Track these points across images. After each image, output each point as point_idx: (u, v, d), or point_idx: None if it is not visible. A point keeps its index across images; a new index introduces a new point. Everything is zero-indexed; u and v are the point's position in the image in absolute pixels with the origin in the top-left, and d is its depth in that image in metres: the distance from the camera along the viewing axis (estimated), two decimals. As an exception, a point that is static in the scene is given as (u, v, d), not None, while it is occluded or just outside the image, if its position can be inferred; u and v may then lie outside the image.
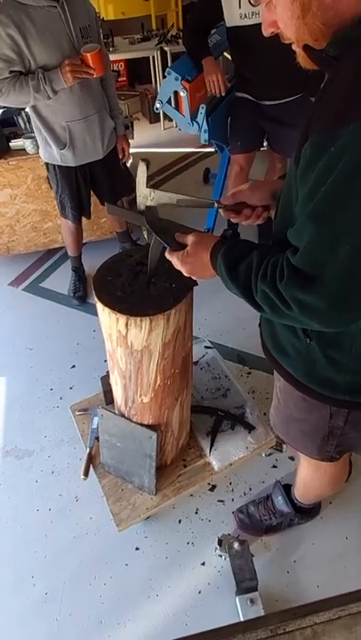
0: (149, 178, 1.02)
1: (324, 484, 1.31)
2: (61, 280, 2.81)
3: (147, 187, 0.97)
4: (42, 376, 2.26)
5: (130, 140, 2.44)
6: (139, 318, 1.09)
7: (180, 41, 4.16)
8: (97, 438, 1.76)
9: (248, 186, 1.00)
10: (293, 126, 2.35)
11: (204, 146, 4.19)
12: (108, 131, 2.12)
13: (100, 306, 1.13)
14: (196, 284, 1.16)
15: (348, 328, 0.81)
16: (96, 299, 1.14)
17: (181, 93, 2.14)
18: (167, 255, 0.97)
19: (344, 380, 0.88)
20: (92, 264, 2.79)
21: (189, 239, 0.93)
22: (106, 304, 1.11)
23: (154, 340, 1.15)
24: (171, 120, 4.65)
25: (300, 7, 0.68)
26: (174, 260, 0.95)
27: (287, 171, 0.86)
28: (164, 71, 4.36)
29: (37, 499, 1.79)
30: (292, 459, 1.83)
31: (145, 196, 0.98)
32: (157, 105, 2.23)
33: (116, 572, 1.57)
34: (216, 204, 0.99)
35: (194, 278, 0.98)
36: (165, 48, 4.08)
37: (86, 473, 1.68)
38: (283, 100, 2.26)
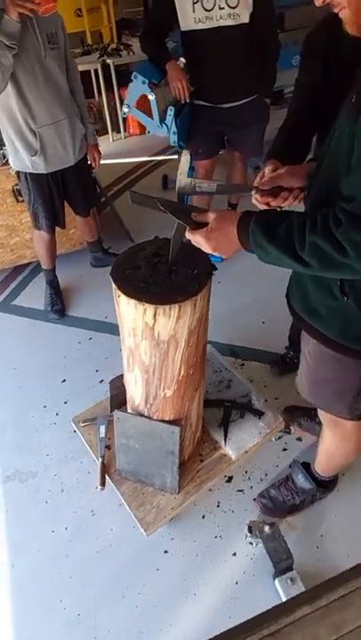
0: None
1: (350, 450, 1.36)
2: (34, 296, 2.71)
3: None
4: (32, 394, 2.17)
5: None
6: (168, 306, 1.09)
7: (123, 53, 4.21)
8: (107, 447, 1.71)
9: (285, 169, 1.04)
10: (249, 126, 2.45)
11: (157, 154, 4.26)
12: (79, 137, 2.11)
13: (124, 299, 1.12)
14: (216, 269, 1.18)
15: None
16: (120, 292, 1.12)
17: (150, 96, 2.18)
18: (188, 234, 0.99)
19: None
20: (65, 277, 2.73)
21: (210, 216, 0.96)
22: (131, 296, 1.10)
23: (181, 328, 1.15)
24: (118, 132, 4.69)
25: None
26: (197, 237, 0.97)
27: (332, 133, 0.90)
28: (107, 84, 4.42)
29: (50, 520, 1.70)
30: (300, 440, 1.88)
31: (186, 184, 1.00)
32: (125, 109, 2.24)
33: (149, 579, 1.53)
34: (253, 190, 1.02)
35: (217, 254, 0.99)
36: (108, 61, 4.11)
37: (103, 483, 1.63)
38: (238, 103, 2.35)
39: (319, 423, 1.81)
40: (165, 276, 1.15)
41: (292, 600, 0.59)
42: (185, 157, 0.98)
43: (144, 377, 1.32)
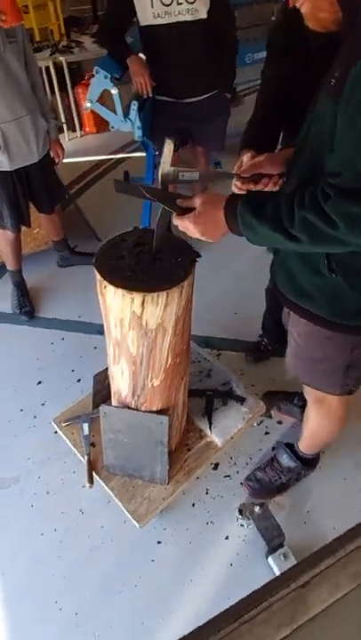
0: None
1: (334, 426, 1.42)
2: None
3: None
4: (7, 399, 2.10)
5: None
6: (156, 294, 1.09)
7: (75, 50, 4.15)
8: (92, 444, 1.69)
9: (264, 157, 1.07)
10: (211, 121, 2.50)
11: (115, 151, 4.23)
12: (42, 133, 2.07)
13: (111, 290, 1.11)
14: (200, 256, 1.20)
15: None
16: (106, 283, 1.11)
17: (113, 91, 2.16)
18: (176, 220, 1.00)
19: None
20: (31, 278, 2.66)
21: (197, 201, 0.98)
22: (119, 286, 1.10)
23: (168, 315, 1.16)
24: (74, 130, 4.61)
25: None
26: (185, 222, 0.98)
27: (310, 119, 0.94)
28: (59, 81, 4.33)
29: (38, 523, 1.67)
30: (280, 423, 1.94)
31: (169, 172, 1.01)
32: (87, 104, 2.21)
33: (145, 571, 1.53)
34: (235, 177, 1.05)
35: (204, 239, 1.02)
36: (60, 58, 4.03)
37: (91, 480, 1.61)
38: (199, 98, 2.39)
39: (297, 405, 1.89)
40: (150, 264, 1.15)
41: (316, 554, 0.62)
42: (168, 146, 0.99)
43: (131, 368, 1.31)
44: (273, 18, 4.01)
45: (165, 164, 1.01)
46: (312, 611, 0.57)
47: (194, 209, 0.99)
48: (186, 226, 0.99)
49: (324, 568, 0.60)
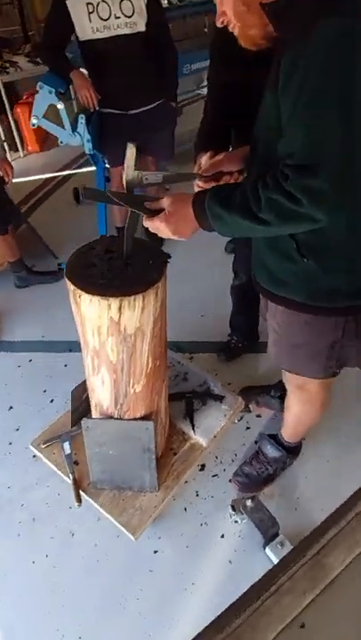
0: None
1: (316, 412, 1.46)
2: None
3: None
4: (-22, 428, 2.01)
5: None
6: (132, 297, 1.09)
7: (10, 70, 4.10)
8: (75, 462, 1.65)
9: (223, 155, 1.10)
10: (159, 130, 2.54)
11: (61, 169, 4.19)
12: (-11, 152, 2.02)
13: (86, 298, 1.10)
14: (170, 257, 1.21)
15: (337, 230, 0.93)
16: (80, 292, 1.10)
17: (58, 105, 2.15)
18: (147, 222, 1.02)
19: (346, 283, 1.02)
20: (-12, 302, 2.59)
21: (165, 202, 1.00)
22: (94, 293, 1.09)
23: (146, 318, 1.16)
24: (16, 150, 4.53)
25: None
26: (156, 223, 1.00)
27: (260, 118, 0.98)
28: (-4, 102, 4.25)
29: (27, 551, 1.60)
30: (259, 416, 1.98)
31: (133, 177, 1.02)
32: (34, 120, 2.19)
33: (145, 583, 1.50)
34: (197, 177, 1.08)
35: (176, 238, 1.03)
36: (-5, 78, 3.98)
37: (79, 499, 1.56)
38: (144, 108, 2.43)
39: (274, 397, 1.94)
40: (122, 269, 1.16)
41: (323, 525, 0.64)
42: (131, 150, 1.01)
43: (112, 376, 1.30)
44: (205, 29, 4.17)
45: (129, 169, 1.02)
46: (332, 573, 0.59)
47: (162, 210, 1.01)
48: (157, 226, 1.00)
49: (334, 534, 0.62)
